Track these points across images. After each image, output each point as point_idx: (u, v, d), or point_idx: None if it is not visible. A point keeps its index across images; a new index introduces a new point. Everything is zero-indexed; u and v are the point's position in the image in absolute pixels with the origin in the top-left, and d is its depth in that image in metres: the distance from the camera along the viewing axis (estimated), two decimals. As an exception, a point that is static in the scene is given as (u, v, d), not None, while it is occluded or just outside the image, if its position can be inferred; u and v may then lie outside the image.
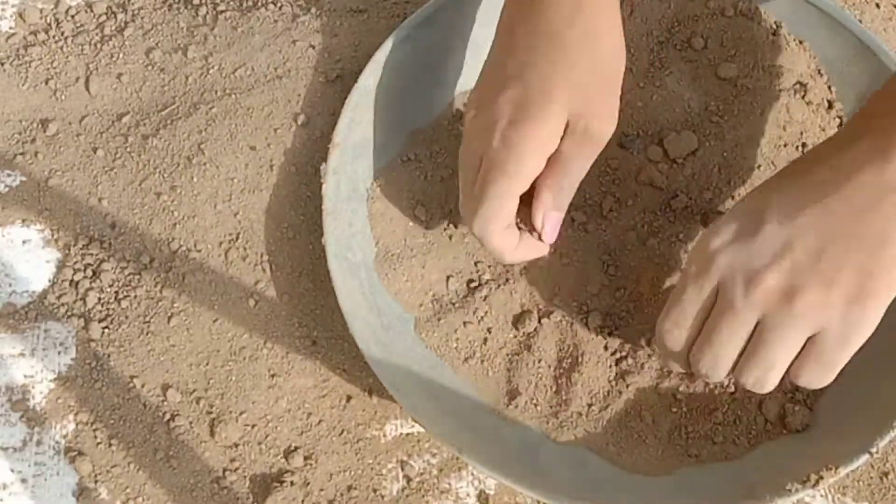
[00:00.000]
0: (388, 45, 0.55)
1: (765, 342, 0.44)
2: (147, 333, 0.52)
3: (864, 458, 0.47)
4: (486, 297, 0.53)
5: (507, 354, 0.52)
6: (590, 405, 0.51)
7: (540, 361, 0.52)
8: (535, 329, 0.53)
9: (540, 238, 0.49)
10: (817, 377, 0.44)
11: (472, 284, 0.54)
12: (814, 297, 0.42)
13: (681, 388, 0.52)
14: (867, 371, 0.51)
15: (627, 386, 0.52)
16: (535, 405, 0.51)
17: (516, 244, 0.49)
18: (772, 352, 0.44)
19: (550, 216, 0.49)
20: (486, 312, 0.53)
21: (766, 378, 0.45)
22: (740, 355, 0.45)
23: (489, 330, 0.53)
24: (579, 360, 0.52)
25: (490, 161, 0.47)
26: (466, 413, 0.50)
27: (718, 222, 0.46)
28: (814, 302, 0.43)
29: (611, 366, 0.52)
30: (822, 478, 0.46)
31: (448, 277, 0.54)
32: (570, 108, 0.47)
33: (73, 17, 0.60)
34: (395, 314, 0.53)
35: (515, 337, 0.53)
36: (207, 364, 0.52)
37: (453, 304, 0.53)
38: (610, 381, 0.52)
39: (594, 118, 0.47)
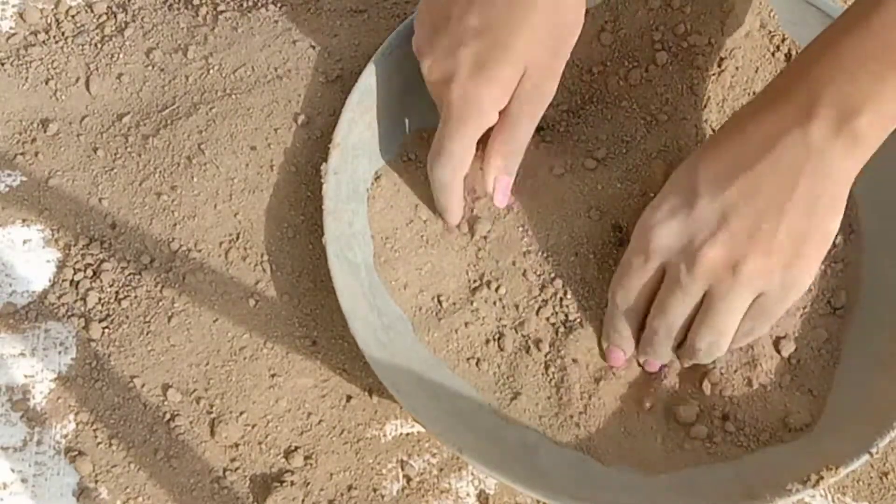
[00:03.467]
0: (387, 44, 0.55)
1: (715, 310, 0.47)
2: (147, 333, 0.52)
3: (865, 458, 0.47)
4: (486, 298, 0.53)
5: (508, 355, 0.52)
6: (589, 406, 0.51)
7: (540, 363, 0.52)
8: (535, 330, 0.53)
9: (492, 200, 0.53)
10: (759, 331, 0.49)
11: (473, 285, 0.54)
12: (754, 265, 0.45)
13: (679, 389, 0.52)
14: (867, 371, 0.51)
15: (627, 387, 0.52)
16: (536, 406, 0.51)
17: (462, 206, 0.53)
18: (722, 318, 0.47)
19: (501, 180, 0.53)
20: (487, 313, 0.53)
21: (718, 343, 0.48)
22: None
23: (489, 331, 0.53)
24: (578, 361, 0.52)
25: (449, 113, 0.50)
26: (467, 413, 0.50)
27: (657, 198, 0.48)
28: (755, 270, 0.45)
29: (610, 366, 0.52)
30: (822, 478, 0.47)
31: (448, 278, 0.54)
32: (526, 63, 0.49)
33: (73, 17, 0.60)
34: (395, 314, 0.53)
35: (515, 338, 0.53)
36: (208, 364, 0.52)
37: (453, 304, 0.53)
38: (609, 382, 0.52)
39: (544, 77, 0.50)
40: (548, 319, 0.53)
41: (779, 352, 0.52)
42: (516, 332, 0.53)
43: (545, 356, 0.52)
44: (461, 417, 0.50)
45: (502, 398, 0.52)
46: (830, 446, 0.49)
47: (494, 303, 0.53)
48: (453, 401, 0.51)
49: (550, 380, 0.52)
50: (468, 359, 0.52)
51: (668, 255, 0.47)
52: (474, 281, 0.54)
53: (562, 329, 0.53)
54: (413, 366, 0.51)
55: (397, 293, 0.53)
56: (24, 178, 0.56)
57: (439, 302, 0.53)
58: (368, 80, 0.55)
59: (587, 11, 0.58)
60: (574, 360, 0.52)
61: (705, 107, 0.56)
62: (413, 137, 0.57)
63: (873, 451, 0.47)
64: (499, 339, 0.53)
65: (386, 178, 0.55)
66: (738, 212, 0.45)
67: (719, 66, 0.56)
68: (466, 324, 0.53)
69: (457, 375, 0.52)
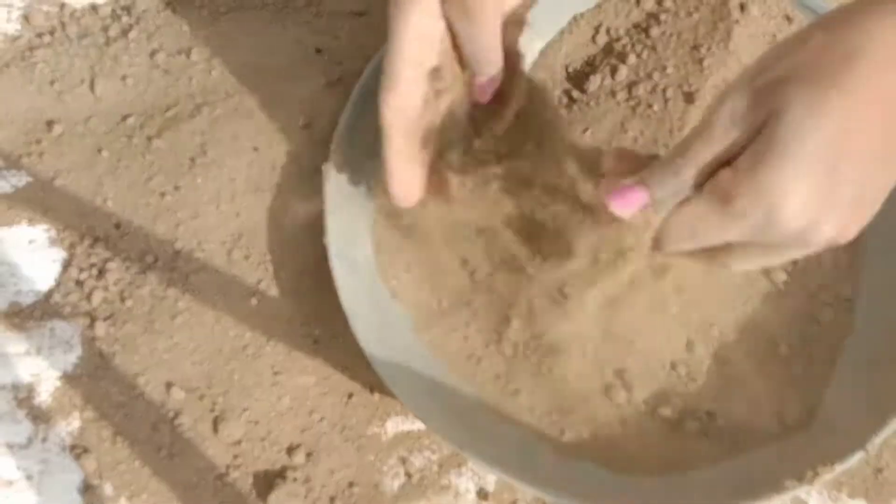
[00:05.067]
0: None
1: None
2: (151, 332, 0.53)
3: (860, 454, 0.47)
4: (486, 297, 0.53)
5: (508, 353, 0.53)
6: (589, 405, 0.52)
7: (540, 361, 0.52)
8: (536, 328, 0.53)
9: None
10: None
11: (473, 283, 0.54)
12: None
13: (678, 388, 0.52)
14: (862, 368, 0.52)
15: (628, 386, 0.52)
16: (536, 404, 0.52)
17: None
18: None
19: None
20: (487, 312, 0.53)
21: None
22: None
23: (489, 329, 0.53)
24: (580, 359, 0.52)
25: None
26: (468, 411, 0.51)
27: (781, 174, 0.36)
28: None
29: (612, 366, 0.52)
30: (818, 474, 0.47)
31: (448, 276, 0.54)
32: None
33: (78, 19, 0.61)
34: (396, 313, 0.53)
35: (516, 336, 0.53)
36: (211, 362, 0.52)
37: (454, 303, 0.54)
38: (610, 380, 0.52)
39: None
40: (551, 320, 0.53)
41: (775, 349, 0.53)
42: (518, 330, 0.53)
43: (546, 355, 0.52)
44: (463, 416, 0.50)
45: (502, 396, 0.52)
46: (826, 443, 0.49)
47: (494, 301, 0.53)
48: (454, 398, 0.51)
49: (550, 379, 0.52)
50: (468, 357, 0.52)
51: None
52: (475, 280, 0.54)
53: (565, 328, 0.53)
54: (414, 364, 0.51)
55: (398, 292, 0.53)
56: (30, 179, 0.56)
57: (439, 301, 0.54)
58: (369, 82, 0.55)
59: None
60: (575, 360, 0.52)
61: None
62: None
63: (868, 447, 0.47)
64: (498, 337, 0.53)
65: None
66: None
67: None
68: (466, 323, 0.53)
69: (457, 374, 0.52)
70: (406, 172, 0.45)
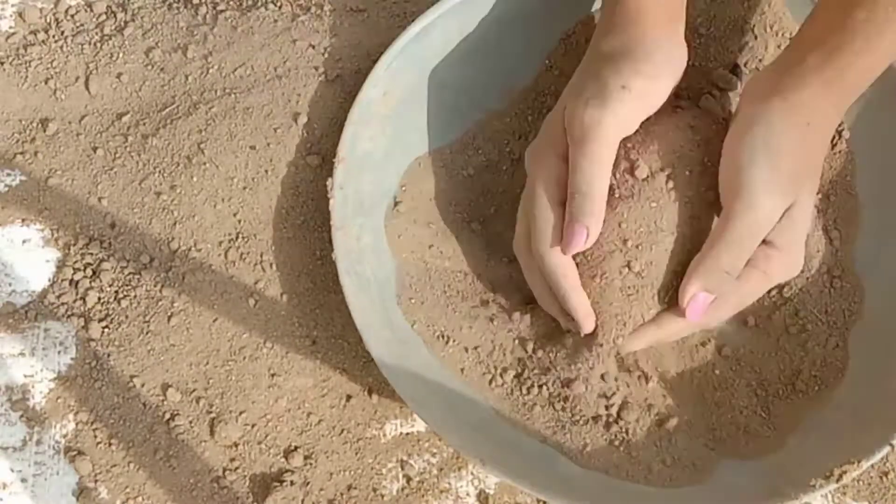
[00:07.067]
0: (388, 55, 0.54)
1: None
2: (147, 333, 0.52)
3: (886, 450, 0.47)
4: (498, 314, 0.53)
5: (521, 370, 0.52)
6: (606, 417, 0.51)
7: (554, 376, 0.51)
8: (547, 345, 0.52)
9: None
10: None
11: (486, 303, 0.53)
12: None
13: (687, 400, 0.52)
14: (884, 362, 0.51)
15: (645, 397, 0.51)
16: (551, 417, 0.51)
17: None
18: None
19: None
20: (499, 329, 0.52)
21: None
22: None
23: (502, 347, 0.52)
24: (593, 372, 0.52)
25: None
26: (485, 424, 0.50)
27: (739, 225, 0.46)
28: None
29: (625, 379, 0.52)
30: (845, 472, 0.46)
31: (462, 296, 0.53)
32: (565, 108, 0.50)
33: (72, 16, 0.60)
34: (408, 328, 0.52)
35: (529, 353, 0.52)
36: (207, 364, 0.52)
37: (469, 324, 0.52)
38: (624, 393, 0.51)
39: (583, 108, 0.47)
40: (560, 330, 0.52)
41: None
42: (530, 346, 0.52)
43: (558, 370, 0.52)
44: (480, 429, 0.49)
45: (517, 409, 0.51)
46: (851, 439, 0.48)
47: (505, 317, 0.53)
48: (471, 412, 0.50)
49: (565, 393, 0.51)
50: (484, 374, 0.52)
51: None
52: (486, 300, 0.53)
53: (571, 342, 0.52)
54: (430, 378, 0.50)
55: (411, 315, 0.52)
56: (24, 178, 0.56)
57: (451, 319, 0.53)
58: (369, 93, 0.54)
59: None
60: (589, 373, 0.52)
61: None
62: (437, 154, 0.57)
63: (894, 442, 0.47)
64: (511, 352, 0.52)
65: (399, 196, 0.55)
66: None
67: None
68: (480, 337, 0.52)
69: (472, 388, 0.51)
70: (586, 304, 0.49)
